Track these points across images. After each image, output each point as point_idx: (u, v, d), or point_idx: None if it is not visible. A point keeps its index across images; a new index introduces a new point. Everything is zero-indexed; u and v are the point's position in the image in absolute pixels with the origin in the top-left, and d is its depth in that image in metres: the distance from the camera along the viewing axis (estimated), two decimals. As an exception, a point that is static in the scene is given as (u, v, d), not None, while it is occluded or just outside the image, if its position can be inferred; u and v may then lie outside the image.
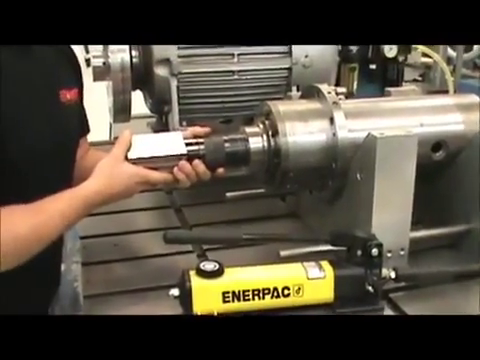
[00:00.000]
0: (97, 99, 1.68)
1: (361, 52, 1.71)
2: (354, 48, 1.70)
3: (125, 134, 1.10)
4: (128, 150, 1.10)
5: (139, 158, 1.08)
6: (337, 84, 1.62)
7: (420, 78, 2.65)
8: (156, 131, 1.65)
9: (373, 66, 1.74)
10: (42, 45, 1.05)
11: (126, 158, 1.07)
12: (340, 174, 1.18)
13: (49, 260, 1.09)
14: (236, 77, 1.50)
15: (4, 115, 0.96)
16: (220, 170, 1.13)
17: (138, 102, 1.59)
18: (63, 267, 1.34)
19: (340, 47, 1.65)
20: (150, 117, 1.69)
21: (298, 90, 1.48)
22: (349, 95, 1.41)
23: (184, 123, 1.49)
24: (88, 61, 1.73)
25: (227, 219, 1.38)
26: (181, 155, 1.10)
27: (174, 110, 1.48)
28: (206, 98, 1.51)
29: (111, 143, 2.07)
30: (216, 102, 1.52)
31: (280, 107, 1.20)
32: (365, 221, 1.10)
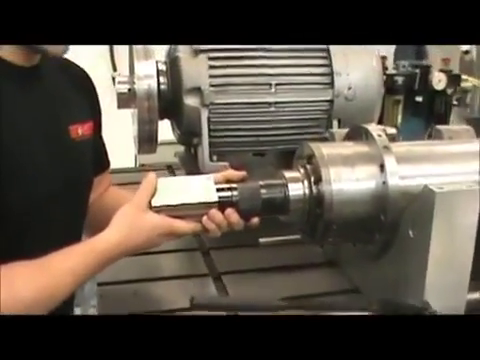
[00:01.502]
0: (124, 121, 1.60)
1: (407, 83, 1.65)
2: (400, 79, 1.65)
3: (149, 178, 1.03)
4: (152, 196, 1.03)
5: (164, 205, 1.02)
6: (381, 117, 1.56)
7: (456, 102, 2.56)
8: (184, 163, 1.60)
9: (419, 98, 1.67)
10: (52, 75, 1.00)
11: (150, 205, 1.01)
12: (389, 227, 1.08)
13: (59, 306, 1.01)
14: (273, 109, 1.42)
15: (3, 156, 0.90)
16: (255, 220, 1.05)
17: (166, 128, 1.52)
18: (78, 311, 1.29)
19: (385, 78, 1.55)
20: (178, 144, 1.61)
21: (340, 125, 1.43)
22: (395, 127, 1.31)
23: (214, 157, 1.41)
24: (114, 79, 1.63)
25: (259, 267, 1.30)
26: (212, 203, 1.03)
27: (204, 143, 1.40)
28: (239, 131, 1.42)
29: (137, 170, 2.12)
30: (250, 135, 1.43)
31: (324, 150, 1.11)
32: (416, 282, 1.01)
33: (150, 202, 1.01)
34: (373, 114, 1.45)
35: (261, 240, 1.25)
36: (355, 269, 1.25)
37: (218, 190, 1.04)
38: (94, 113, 1.16)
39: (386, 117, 1.64)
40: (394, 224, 1.07)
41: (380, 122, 1.55)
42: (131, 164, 2.34)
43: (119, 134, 1.91)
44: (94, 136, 1.15)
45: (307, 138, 1.37)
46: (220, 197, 1.03)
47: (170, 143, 1.63)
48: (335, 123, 1.43)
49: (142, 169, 2.03)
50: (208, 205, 1.02)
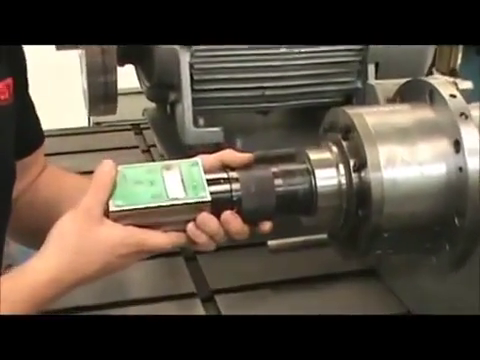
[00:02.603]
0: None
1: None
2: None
3: (104, 169, 0.94)
4: (110, 196, 0.94)
5: (128, 210, 0.94)
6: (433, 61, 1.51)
7: None
8: (156, 128, 1.58)
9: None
10: None
11: (106, 211, 0.93)
12: (468, 234, 0.97)
13: None
14: (284, 50, 1.36)
15: None
16: (266, 225, 0.99)
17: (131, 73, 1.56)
18: None
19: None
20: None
21: (378, 72, 1.37)
22: (452, 73, 1.35)
23: (201, 121, 1.37)
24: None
25: (267, 280, 1.26)
26: (202, 203, 0.95)
27: (185, 101, 1.34)
28: (235, 82, 1.37)
29: (89, 131, 2.12)
30: (251, 88, 1.38)
31: (368, 119, 0.98)
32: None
33: (107, 205, 0.94)
34: (425, 55, 1.40)
35: (270, 244, 1.22)
36: (405, 285, 1.22)
37: (210, 182, 0.98)
38: (16, 69, 1.05)
39: (439, 57, 1.54)
40: (475, 229, 0.97)
41: (431, 65, 1.50)
42: (84, 122, 2.32)
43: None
44: (17, 100, 1.05)
45: (331, 91, 1.37)
46: (214, 193, 0.97)
47: (137, 92, 1.64)
48: (371, 69, 1.37)
49: (97, 130, 2.06)
50: (196, 206, 0.96)
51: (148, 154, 1.82)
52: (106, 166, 0.95)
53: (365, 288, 1.26)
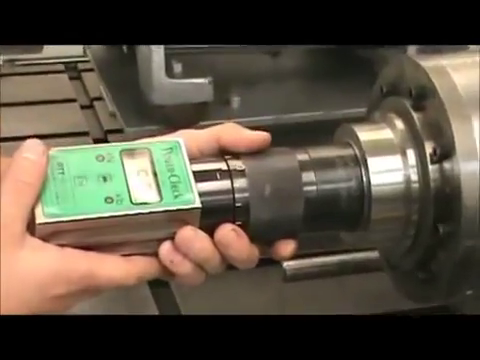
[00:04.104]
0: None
1: None
2: None
3: (27, 156, 0.92)
4: (37, 200, 0.90)
5: (65, 222, 0.90)
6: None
7: None
8: (104, 75, 1.64)
9: None
10: None
11: (31, 225, 0.90)
12: None
13: None
14: None
15: None
16: (287, 247, 0.98)
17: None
18: None
19: None
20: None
21: None
22: None
23: (178, 66, 1.42)
24: None
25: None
26: (184, 211, 0.93)
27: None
28: None
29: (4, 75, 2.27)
30: None
31: (456, 78, 0.97)
32: None
33: (32, 215, 0.90)
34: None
35: (288, 266, 1.27)
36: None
37: (200, 177, 0.95)
38: None
39: None
40: None
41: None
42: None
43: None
44: None
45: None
46: (205, 195, 0.94)
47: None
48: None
49: (10, 72, 2.09)
50: (176, 216, 0.92)
51: (90, 112, 1.82)
52: (31, 150, 0.90)
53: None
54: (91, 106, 1.82)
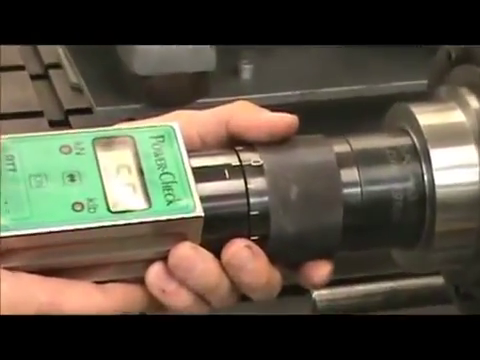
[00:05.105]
0: None
1: None
2: None
3: None
4: None
5: (21, 236, 0.90)
6: None
7: None
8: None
9: None
10: None
11: None
12: None
13: None
14: None
15: None
16: (322, 269, 0.98)
17: None
18: None
19: None
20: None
21: None
22: None
23: None
24: None
25: None
26: (182, 220, 0.92)
27: None
28: None
29: None
30: None
31: None
32: None
33: None
34: None
35: (317, 295, 1.32)
36: None
37: (203, 175, 0.94)
38: None
39: None
40: None
41: None
42: None
43: None
44: None
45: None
46: (210, 200, 0.93)
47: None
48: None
49: None
50: (169, 228, 0.92)
51: (45, 84, 1.83)
52: None
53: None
54: (45, 76, 1.82)
